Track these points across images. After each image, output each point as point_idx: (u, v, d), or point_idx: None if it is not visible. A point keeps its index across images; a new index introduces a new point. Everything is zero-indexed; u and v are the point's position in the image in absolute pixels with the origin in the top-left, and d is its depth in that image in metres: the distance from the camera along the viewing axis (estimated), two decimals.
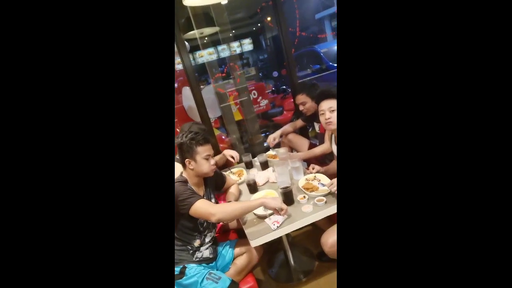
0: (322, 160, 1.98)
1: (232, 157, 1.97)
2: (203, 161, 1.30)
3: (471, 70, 0.51)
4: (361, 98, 0.58)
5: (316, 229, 1.97)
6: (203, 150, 1.29)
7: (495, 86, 0.50)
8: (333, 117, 1.45)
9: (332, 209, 1.33)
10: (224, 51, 2.44)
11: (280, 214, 1.28)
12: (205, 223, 1.36)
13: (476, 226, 0.51)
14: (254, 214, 1.39)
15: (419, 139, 0.54)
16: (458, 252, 0.52)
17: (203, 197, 1.35)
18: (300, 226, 1.31)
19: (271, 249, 1.99)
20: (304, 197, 1.41)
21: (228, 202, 1.47)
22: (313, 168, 1.65)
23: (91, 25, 0.57)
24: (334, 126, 1.47)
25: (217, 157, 1.83)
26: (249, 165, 2.00)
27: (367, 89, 0.57)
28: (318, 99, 1.52)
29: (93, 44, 0.57)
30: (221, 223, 1.74)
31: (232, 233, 1.68)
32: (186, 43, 2.45)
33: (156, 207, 0.61)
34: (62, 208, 0.55)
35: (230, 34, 2.62)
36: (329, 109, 1.45)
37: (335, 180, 1.38)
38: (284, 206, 1.27)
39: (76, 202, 0.56)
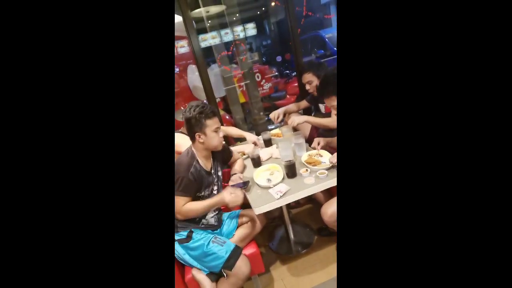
0: (327, 135, 2.00)
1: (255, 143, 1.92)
2: (213, 134, 1.33)
3: (472, 59, 0.51)
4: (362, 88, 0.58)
5: (316, 207, 2.03)
6: (212, 123, 1.31)
7: (495, 86, 0.50)
8: None
9: (334, 181, 1.38)
10: (227, 35, 2.44)
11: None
12: (211, 195, 1.42)
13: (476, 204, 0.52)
14: (258, 185, 1.46)
15: (420, 132, 0.54)
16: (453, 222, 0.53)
17: (211, 173, 1.42)
18: (302, 196, 1.37)
19: (272, 224, 2.07)
20: (307, 170, 1.46)
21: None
22: (318, 144, 1.64)
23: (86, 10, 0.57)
24: None
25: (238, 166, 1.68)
26: (268, 143, 1.95)
27: (366, 79, 0.57)
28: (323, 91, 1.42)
29: (90, 24, 0.57)
30: None
31: (236, 206, 1.75)
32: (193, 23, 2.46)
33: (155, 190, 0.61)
34: (58, 192, 0.55)
35: (237, 15, 2.63)
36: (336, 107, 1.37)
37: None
38: (239, 199, 1.32)
39: (74, 186, 0.56)
